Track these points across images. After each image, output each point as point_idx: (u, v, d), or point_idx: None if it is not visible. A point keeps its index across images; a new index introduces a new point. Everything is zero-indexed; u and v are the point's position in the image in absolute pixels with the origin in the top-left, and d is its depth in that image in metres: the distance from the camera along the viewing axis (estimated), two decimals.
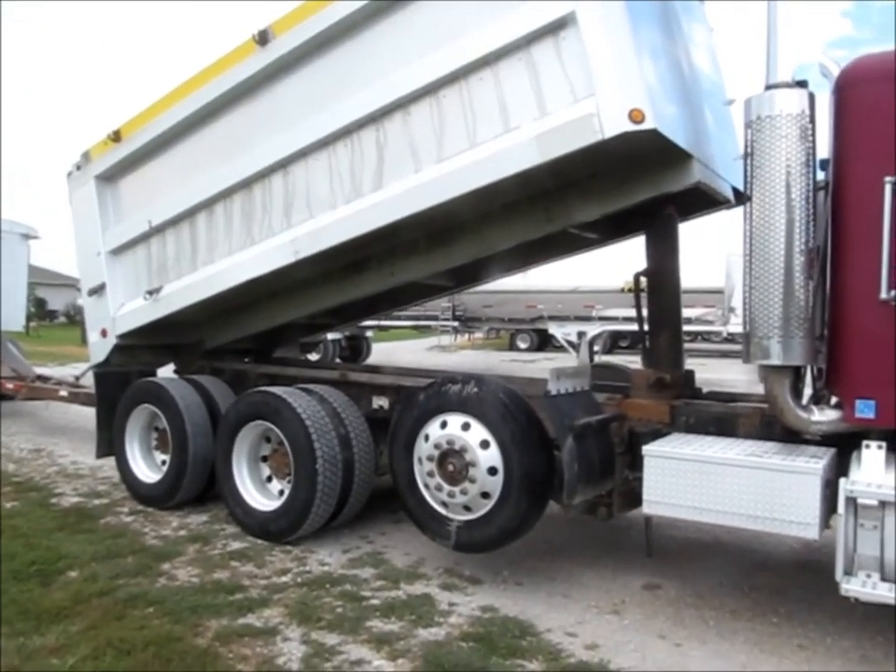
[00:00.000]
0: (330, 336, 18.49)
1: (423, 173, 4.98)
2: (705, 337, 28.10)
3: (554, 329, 26.52)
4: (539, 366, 20.26)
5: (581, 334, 24.60)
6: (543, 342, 28.72)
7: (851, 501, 3.75)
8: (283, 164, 5.72)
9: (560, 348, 26.18)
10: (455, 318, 29.29)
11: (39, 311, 44.34)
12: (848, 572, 3.77)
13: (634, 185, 4.91)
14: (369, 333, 23.15)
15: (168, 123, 6.39)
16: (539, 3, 4.41)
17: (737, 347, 23.35)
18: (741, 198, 4.29)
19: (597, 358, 20.11)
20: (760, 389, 4.52)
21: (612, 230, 6.08)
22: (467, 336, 32.94)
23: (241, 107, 5.95)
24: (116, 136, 6.85)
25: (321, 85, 5.43)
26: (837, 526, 3.82)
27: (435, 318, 29.26)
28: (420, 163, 5.01)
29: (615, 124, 4.15)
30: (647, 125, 4.09)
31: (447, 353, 28.29)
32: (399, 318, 27.93)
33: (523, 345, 29.40)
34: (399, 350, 27.00)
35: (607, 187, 5.03)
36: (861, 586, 3.72)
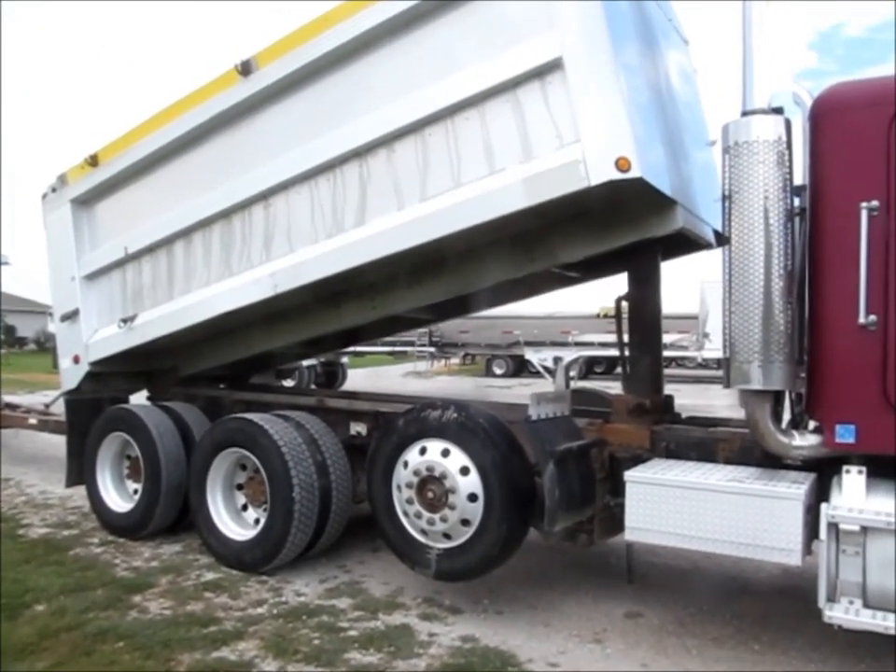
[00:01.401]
0: (306, 362, 18.34)
1: (406, 211, 4.94)
2: (679, 363, 28.38)
3: (531, 355, 26.63)
4: (515, 392, 20.25)
5: (557, 360, 24.73)
6: (519, 367, 28.79)
7: (833, 527, 3.74)
8: (264, 196, 5.65)
9: (536, 374, 26.26)
10: (431, 344, 29.30)
11: (9, 338, 43.75)
12: (831, 598, 3.75)
13: (617, 229, 4.87)
14: (344, 359, 23.02)
15: (147, 150, 6.33)
16: (525, 46, 4.39)
17: (712, 373, 23.60)
18: (722, 240, 4.32)
19: (573, 384, 20.16)
20: (739, 414, 4.53)
21: (594, 269, 6.08)
22: (443, 362, 32.92)
23: (222, 137, 5.89)
24: (93, 161, 6.77)
25: (305, 118, 5.38)
26: (819, 552, 3.80)
27: (411, 344, 29.29)
28: (403, 201, 4.97)
29: (602, 172, 4.12)
30: (633, 173, 4.07)
31: (423, 379, 28.20)
32: (374, 344, 27.86)
33: (499, 371, 29.43)
34: (374, 376, 26.87)
35: (591, 230, 4.99)
36: (845, 613, 3.70)
